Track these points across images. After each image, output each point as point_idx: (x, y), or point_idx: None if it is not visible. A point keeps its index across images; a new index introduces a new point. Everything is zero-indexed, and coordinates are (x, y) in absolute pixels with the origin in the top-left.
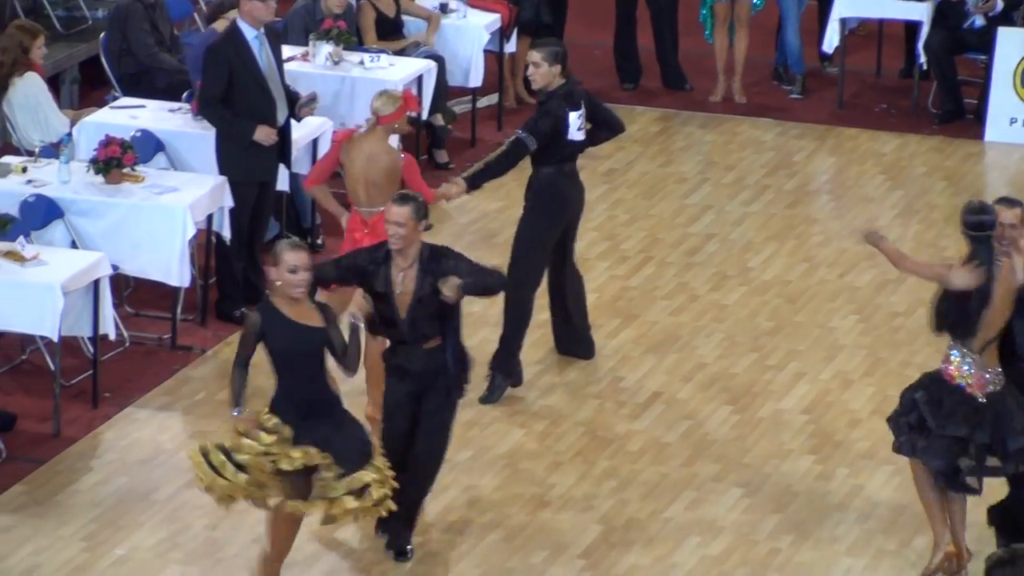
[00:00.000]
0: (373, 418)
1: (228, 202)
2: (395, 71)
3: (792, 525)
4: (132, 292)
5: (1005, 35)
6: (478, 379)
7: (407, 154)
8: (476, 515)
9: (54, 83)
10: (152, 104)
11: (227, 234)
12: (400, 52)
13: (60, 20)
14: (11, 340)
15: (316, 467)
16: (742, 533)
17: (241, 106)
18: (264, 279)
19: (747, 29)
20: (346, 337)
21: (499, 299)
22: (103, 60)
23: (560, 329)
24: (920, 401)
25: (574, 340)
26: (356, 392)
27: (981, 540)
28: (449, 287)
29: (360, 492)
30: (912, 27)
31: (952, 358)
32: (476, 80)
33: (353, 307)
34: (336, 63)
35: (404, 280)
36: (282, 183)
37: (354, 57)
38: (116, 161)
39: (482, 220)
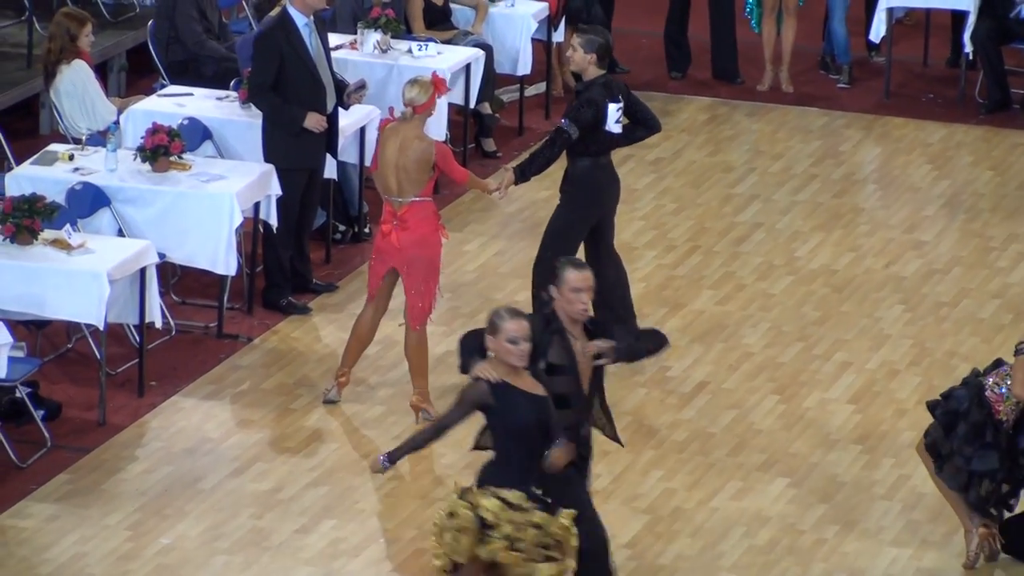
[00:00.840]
0: (418, 407)
1: (275, 190)
2: (443, 59)
3: (838, 515)
4: (178, 280)
5: None
6: None
7: (438, 142)
8: None
9: (102, 71)
10: (199, 92)
11: (274, 222)
12: (448, 41)
13: (108, 8)
14: (57, 328)
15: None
16: (788, 523)
17: (291, 94)
18: (308, 267)
19: (795, 18)
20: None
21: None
22: (151, 48)
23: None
24: (960, 432)
25: None
26: (403, 381)
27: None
28: (604, 350)
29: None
30: (959, 16)
31: (1005, 398)
32: (524, 68)
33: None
34: (384, 51)
35: (584, 348)
36: (329, 171)
37: (402, 45)
38: (163, 149)
39: (529, 209)
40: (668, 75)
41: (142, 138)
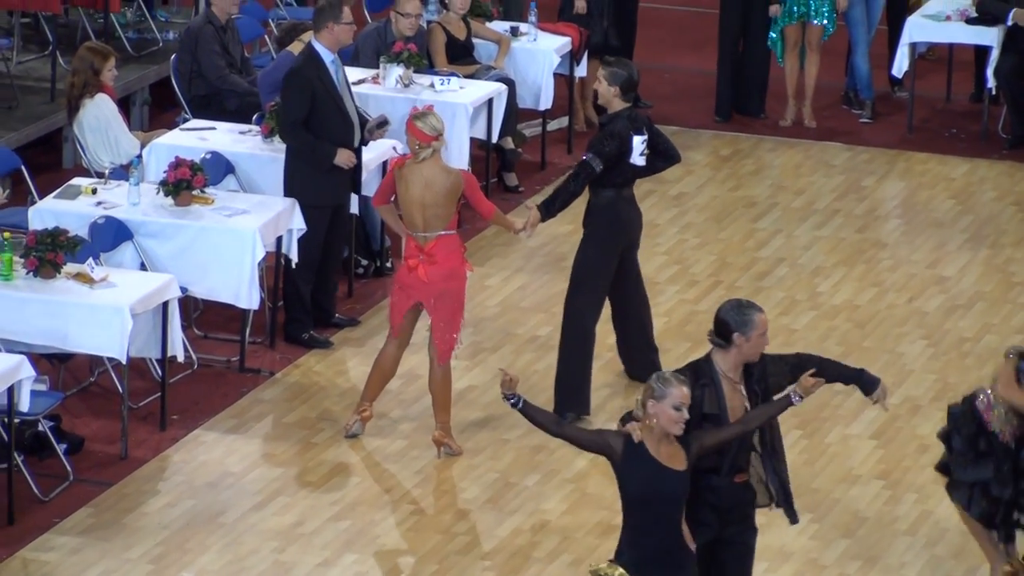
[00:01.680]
0: (440, 442)
1: (297, 225)
2: (465, 94)
3: (860, 551)
4: (200, 314)
5: None
6: (545, 404)
7: (464, 171)
8: (543, 539)
9: (125, 105)
10: (222, 126)
11: (294, 256)
12: (470, 75)
13: (131, 42)
14: (80, 362)
15: None
16: (810, 558)
17: (320, 130)
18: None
19: (818, 53)
20: None
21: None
22: (173, 82)
23: (626, 353)
24: (955, 446)
25: (639, 365)
26: (426, 415)
27: None
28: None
29: None
30: (982, 51)
31: (992, 405)
32: (546, 103)
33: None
34: (406, 86)
35: (735, 396)
36: (351, 206)
37: (424, 80)
38: (186, 183)
39: (551, 243)
40: (713, 117)
41: (165, 172)
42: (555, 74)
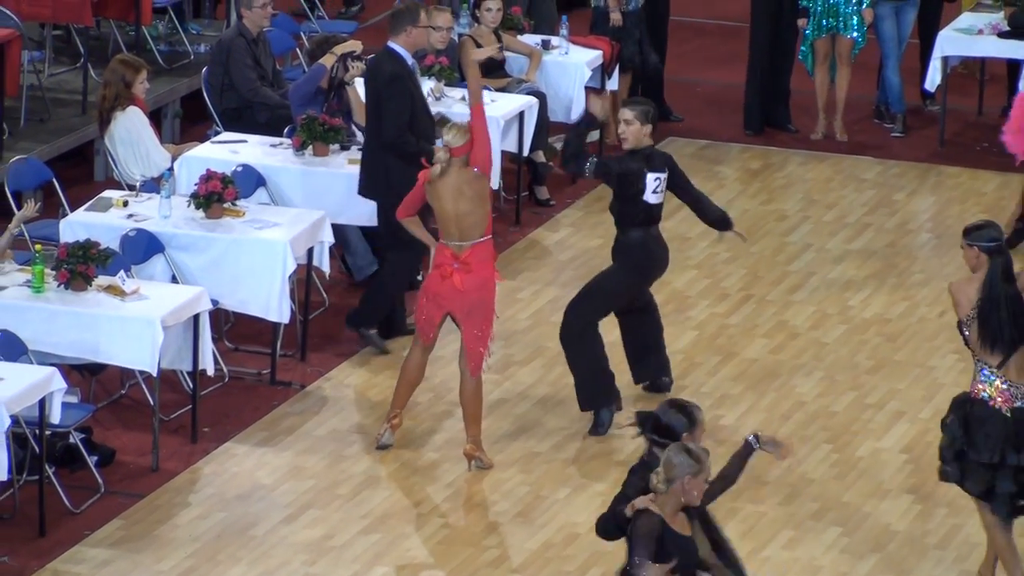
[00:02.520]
0: (471, 455)
1: (328, 237)
2: (497, 107)
3: (890, 565)
4: (231, 327)
5: None
6: (576, 417)
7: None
8: (575, 553)
9: (156, 118)
10: (253, 139)
11: (326, 268)
12: (502, 88)
13: (162, 55)
14: (111, 374)
15: None
16: (840, 572)
17: (415, 131)
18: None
19: (848, 67)
20: None
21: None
22: (205, 95)
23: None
24: (951, 426)
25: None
26: (456, 428)
27: None
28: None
29: None
30: (1014, 65)
31: (980, 375)
32: (577, 116)
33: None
34: (438, 99)
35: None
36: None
37: (456, 93)
38: (217, 196)
39: (582, 256)
40: (744, 131)
41: (196, 185)
42: (586, 87)
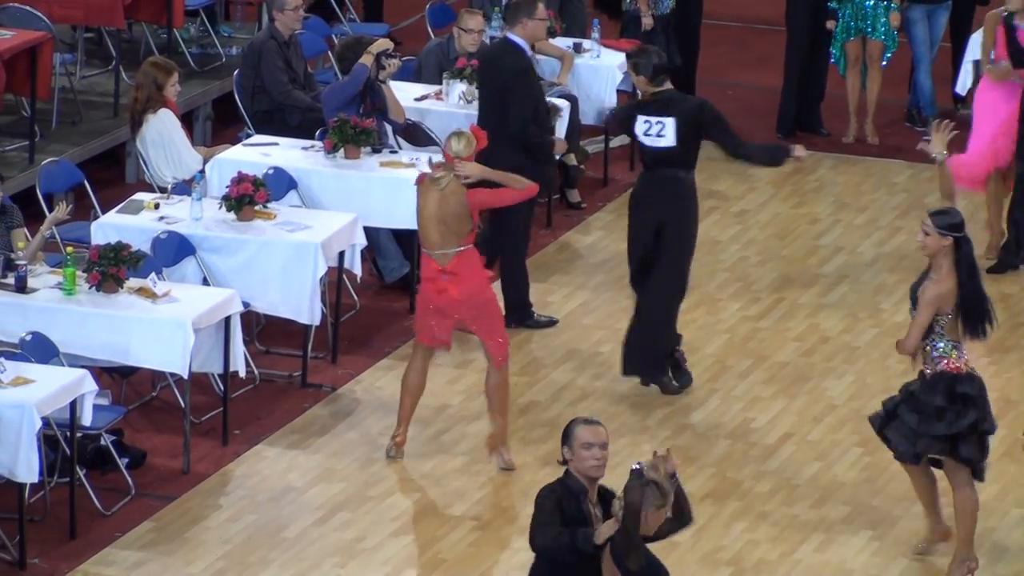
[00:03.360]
0: (493, 447)
1: (360, 240)
2: None
3: (921, 569)
4: (262, 329)
5: None
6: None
7: (469, 190)
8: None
9: (187, 120)
10: (285, 141)
11: (358, 271)
12: None
13: (194, 57)
14: (142, 377)
15: None
16: (870, 575)
17: (538, 123)
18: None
19: (879, 70)
20: None
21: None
22: (236, 97)
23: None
24: (959, 411)
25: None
26: (485, 432)
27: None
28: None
29: None
30: None
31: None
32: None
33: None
34: (469, 102)
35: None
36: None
37: None
38: (248, 198)
39: (614, 259)
40: (776, 134)
41: (227, 187)
42: (618, 90)
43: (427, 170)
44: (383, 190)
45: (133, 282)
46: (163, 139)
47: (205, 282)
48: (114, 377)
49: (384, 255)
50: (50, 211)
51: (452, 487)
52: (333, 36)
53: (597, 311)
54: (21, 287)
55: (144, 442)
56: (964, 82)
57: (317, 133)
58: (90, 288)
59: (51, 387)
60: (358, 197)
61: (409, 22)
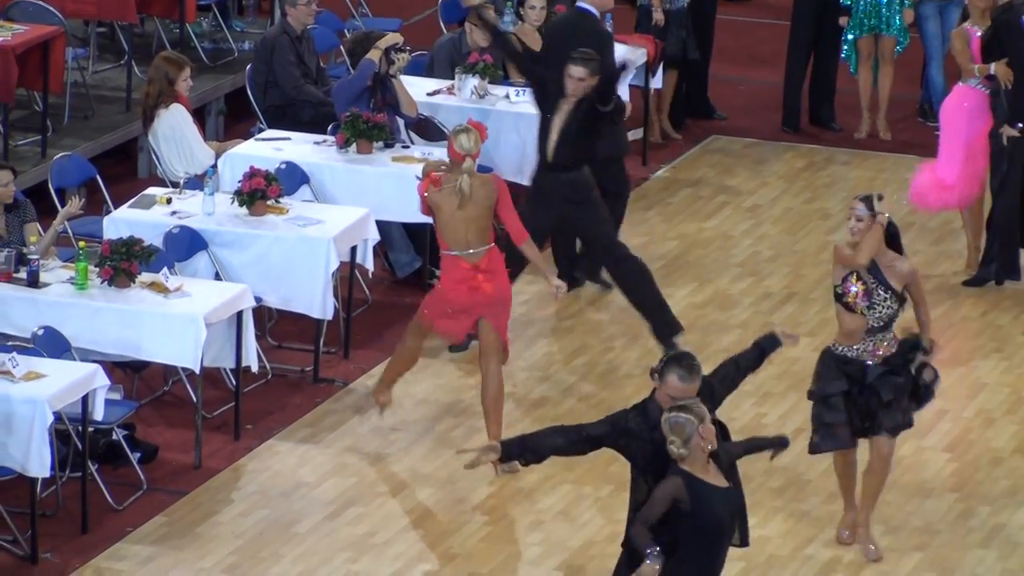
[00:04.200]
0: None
1: (372, 235)
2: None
3: (933, 563)
4: (274, 324)
5: None
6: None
7: (495, 175)
8: (617, 550)
9: (200, 115)
10: (297, 136)
11: (370, 266)
12: None
13: (206, 52)
14: (154, 371)
15: None
16: (883, 571)
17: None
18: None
19: (891, 66)
20: None
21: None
22: (248, 92)
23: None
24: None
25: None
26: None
27: None
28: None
29: None
30: None
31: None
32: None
33: None
34: (481, 97)
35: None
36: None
37: (499, 91)
38: (260, 193)
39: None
40: (781, 127)
41: (239, 182)
42: (630, 86)
43: (434, 173)
44: (395, 185)
45: (145, 277)
46: (175, 134)
47: (217, 277)
48: (126, 372)
49: (396, 250)
50: (62, 206)
51: (464, 482)
52: (345, 31)
53: (610, 307)
54: (33, 281)
55: (156, 437)
56: None
57: (329, 128)
58: (102, 283)
59: (63, 382)
60: (370, 192)
61: (421, 16)
